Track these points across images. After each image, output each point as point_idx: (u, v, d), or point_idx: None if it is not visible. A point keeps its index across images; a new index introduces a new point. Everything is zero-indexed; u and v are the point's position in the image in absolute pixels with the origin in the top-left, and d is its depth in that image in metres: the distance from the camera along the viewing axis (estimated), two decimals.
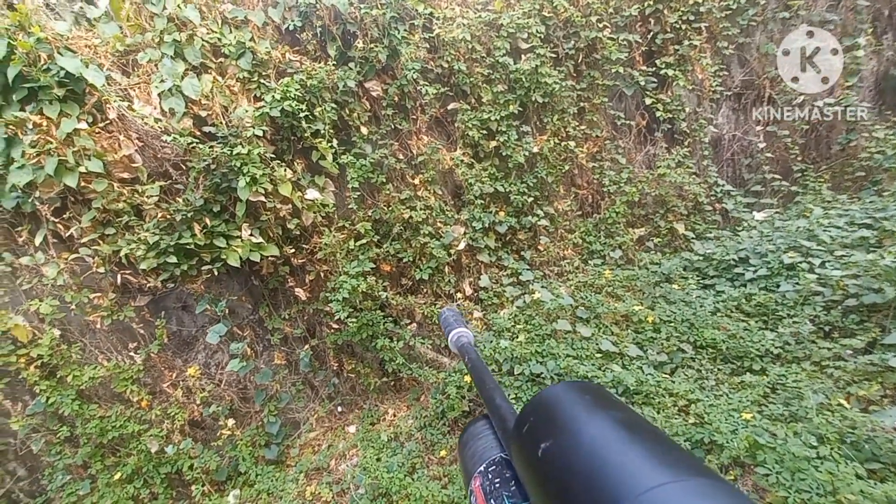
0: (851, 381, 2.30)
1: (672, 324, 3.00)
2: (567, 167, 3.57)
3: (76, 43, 2.53)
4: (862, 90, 4.69)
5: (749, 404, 2.26)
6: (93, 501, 2.84)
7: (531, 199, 3.47)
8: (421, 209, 3.24)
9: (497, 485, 0.37)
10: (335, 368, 3.47)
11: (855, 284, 2.71)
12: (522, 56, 3.35)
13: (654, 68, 3.77)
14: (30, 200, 2.51)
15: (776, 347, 2.64)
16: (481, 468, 0.39)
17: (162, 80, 2.51)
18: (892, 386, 2.24)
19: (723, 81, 4.19)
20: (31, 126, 2.33)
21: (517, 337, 2.90)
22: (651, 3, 3.59)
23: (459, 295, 3.34)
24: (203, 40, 2.71)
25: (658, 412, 2.31)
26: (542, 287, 3.35)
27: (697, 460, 0.24)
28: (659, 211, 3.93)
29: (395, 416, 3.41)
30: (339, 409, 3.57)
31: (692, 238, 3.87)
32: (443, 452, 2.88)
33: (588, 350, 2.84)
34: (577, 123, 3.61)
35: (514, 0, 3.39)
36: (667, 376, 2.63)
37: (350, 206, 3.08)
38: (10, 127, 2.34)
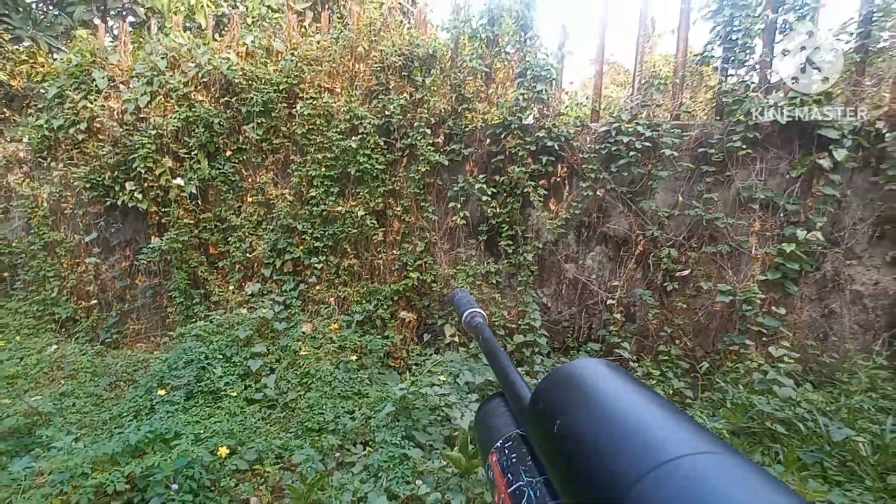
0: None
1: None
2: (360, 234, 4.09)
3: None
4: None
5: None
6: None
7: (321, 245, 4.14)
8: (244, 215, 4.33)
9: (514, 460, 0.37)
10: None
11: None
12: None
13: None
14: None
15: None
16: (498, 444, 0.40)
17: None
18: None
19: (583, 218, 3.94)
20: None
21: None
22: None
23: (231, 289, 4.25)
24: None
25: None
26: (274, 307, 3.97)
27: (714, 435, 0.24)
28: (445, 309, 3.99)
29: None
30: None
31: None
32: None
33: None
34: (392, 201, 4.10)
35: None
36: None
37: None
38: None
